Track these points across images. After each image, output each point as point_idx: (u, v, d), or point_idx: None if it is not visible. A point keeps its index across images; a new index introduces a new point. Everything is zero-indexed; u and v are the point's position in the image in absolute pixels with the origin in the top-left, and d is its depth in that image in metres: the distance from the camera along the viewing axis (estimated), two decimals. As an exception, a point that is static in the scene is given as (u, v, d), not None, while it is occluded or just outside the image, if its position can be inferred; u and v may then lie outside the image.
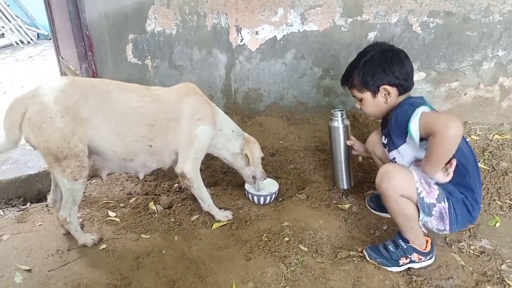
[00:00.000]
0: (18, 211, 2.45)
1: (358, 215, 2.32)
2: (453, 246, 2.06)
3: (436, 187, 1.80)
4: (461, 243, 2.07)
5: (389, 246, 1.93)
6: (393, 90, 1.89)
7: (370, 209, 2.35)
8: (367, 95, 1.96)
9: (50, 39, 6.01)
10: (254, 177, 2.47)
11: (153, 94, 2.08)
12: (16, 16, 7.80)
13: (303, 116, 3.37)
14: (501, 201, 2.36)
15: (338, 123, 2.27)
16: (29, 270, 1.90)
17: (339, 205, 2.39)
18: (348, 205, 2.38)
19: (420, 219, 1.81)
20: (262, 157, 2.48)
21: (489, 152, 2.79)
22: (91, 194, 2.60)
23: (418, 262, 1.90)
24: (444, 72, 3.11)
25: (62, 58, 3.42)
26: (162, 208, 2.44)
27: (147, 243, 2.12)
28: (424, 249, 1.89)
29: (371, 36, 3.06)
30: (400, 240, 1.91)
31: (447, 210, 1.79)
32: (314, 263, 1.96)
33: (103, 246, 2.08)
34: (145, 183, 2.73)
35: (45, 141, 1.78)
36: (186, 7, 2.88)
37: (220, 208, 2.37)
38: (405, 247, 1.89)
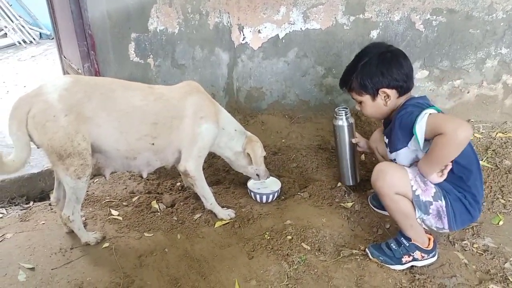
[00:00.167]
0: (21, 210, 2.46)
1: (361, 213, 2.31)
2: (456, 244, 2.06)
3: (432, 185, 1.79)
4: (464, 241, 2.07)
5: (392, 244, 1.92)
6: (392, 93, 1.88)
7: (373, 207, 2.35)
8: (366, 98, 1.95)
9: (53, 38, 6.02)
10: (257, 175, 2.48)
11: (156, 93, 2.09)
12: (19, 16, 7.82)
13: (305, 115, 3.37)
14: (504, 199, 2.35)
15: (343, 121, 2.27)
16: (32, 269, 1.91)
17: (342, 204, 2.39)
18: (351, 204, 2.38)
19: (417, 216, 1.81)
20: (264, 156, 2.48)
21: (492, 150, 2.78)
22: (94, 193, 2.60)
23: (421, 260, 1.90)
24: (447, 70, 3.10)
25: (65, 57, 3.42)
26: (165, 207, 2.44)
27: (150, 242, 2.12)
28: (427, 247, 1.89)
29: (374, 34, 3.05)
30: (402, 238, 1.90)
31: (444, 208, 1.79)
32: (317, 261, 1.96)
33: (106, 244, 2.09)
34: (147, 181, 2.73)
35: (49, 139, 1.78)
36: (188, 6, 2.88)
37: (222, 207, 2.38)
38: (407, 245, 1.88)
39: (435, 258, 1.93)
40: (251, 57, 3.26)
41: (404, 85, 1.87)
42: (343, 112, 2.26)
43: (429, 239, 1.91)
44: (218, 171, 2.88)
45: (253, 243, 2.09)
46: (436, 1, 2.91)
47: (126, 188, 2.67)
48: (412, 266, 1.92)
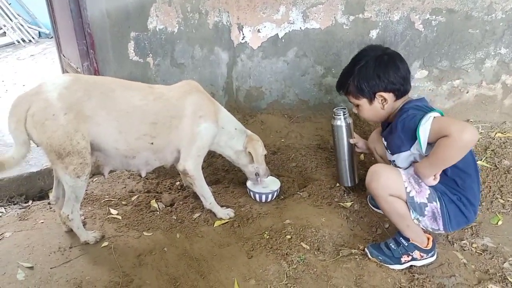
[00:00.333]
0: (20, 209, 2.46)
1: (360, 213, 2.32)
2: (455, 244, 2.06)
3: (426, 187, 1.80)
4: (463, 241, 2.07)
5: (391, 244, 1.93)
6: (389, 96, 1.88)
7: (372, 207, 2.35)
8: (363, 101, 1.95)
9: (52, 37, 6.02)
10: (257, 174, 2.48)
11: (155, 92, 2.08)
12: (18, 15, 7.80)
13: (304, 114, 3.37)
14: (503, 199, 2.35)
15: (341, 121, 2.27)
16: (31, 268, 1.90)
17: (341, 203, 2.39)
18: (350, 203, 2.38)
19: (412, 217, 1.82)
20: (265, 155, 2.48)
21: (491, 150, 2.78)
22: (93, 192, 2.60)
23: (420, 260, 1.90)
24: (447, 70, 3.11)
25: (64, 56, 3.42)
26: (164, 206, 2.44)
27: (149, 241, 2.12)
28: (426, 247, 1.89)
29: (373, 34, 3.05)
30: (401, 238, 1.91)
31: (439, 210, 1.79)
32: (316, 261, 1.96)
33: (105, 243, 2.08)
34: (147, 181, 2.73)
35: (48, 138, 1.78)
36: (188, 5, 2.87)
37: (222, 206, 2.38)
38: (406, 244, 1.89)
39: (434, 257, 1.94)
40: (251, 56, 3.26)
41: (401, 88, 1.87)
42: (341, 112, 2.26)
43: (428, 239, 1.91)
44: (217, 170, 2.88)
45: (252, 242, 2.10)
46: (436, 1, 2.91)
47: (125, 187, 2.67)
48: (411, 265, 1.92)
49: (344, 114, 2.26)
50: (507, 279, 1.82)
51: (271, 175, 2.61)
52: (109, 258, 1.99)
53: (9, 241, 2.09)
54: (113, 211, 2.37)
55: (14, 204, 2.55)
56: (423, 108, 1.79)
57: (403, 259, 1.90)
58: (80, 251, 2.03)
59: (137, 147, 2.03)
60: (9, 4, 7.80)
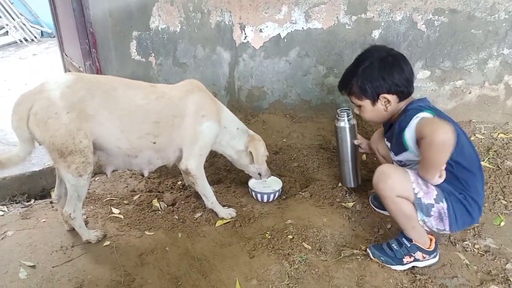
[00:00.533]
0: (22, 208, 2.46)
1: (362, 213, 2.31)
2: (457, 245, 2.05)
3: (433, 187, 1.79)
4: (466, 242, 2.06)
5: (393, 245, 1.92)
6: (393, 98, 1.87)
7: (374, 207, 2.35)
8: (366, 102, 1.94)
9: (54, 36, 6.03)
10: (259, 174, 2.48)
11: (158, 91, 2.09)
12: (20, 14, 7.81)
13: (306, 114, 3.37)
14: (505, 200, 2.34)
15: (345, 123, 2.26)
16: (33, 266, 1.90)
17: (343, 203, 2.39)
18: (352, 204, 2.38)
19: (418, 219, 1.81)
20: (266, 155, 2.48)
21: (494, 151, 2.78)
22: (95, 191, 2.60)
23: (422, 261, 1.90)
24: (449, 70, 3.10)
25: (66, 55, 3.42)
26: (166, 205, 2.44)
27: (150, 240, 2.12)
28: (428, 248, 1.88)
29: (376, 34, 3.05)
30: (403, 239, 1.90)
31: (446, 210, 1.78)
32: (318, 261, 1.95)
33: (107, 242, 2.08)
34: (148, 180, 2.73)
35: (51, 136, 1.78)
36: (190, 4, 2.87)
37: (223, 206, 2.38)
38: (408, 245, 1.88)
39: (437, 258, 1.93)
40: (253, 56, 3.26)
41: (405, 90, 1.86)
42: (345, 113, 2.25)
43: (431, 240, 1.91)
44: (219, 170, 2.88)
45: (254, 242, 2.09)
46: (438, 1, 2.90)
47: (127, 187, 2.67)
48: (413, 266, 1.92)
49: (348, 116, 2.25)
50: (510, 280, 1.81)
51: (272, 175, 2.60)
52: (111, 257, 1.99)
53: (11, 239, 2.10)
54: (115, 210, 2.37)
55: (17, 203, 2.56)
56: (423, 108, 1.78)
57: (405, 260, 1.90)
58: (82, 250, 2.04)
59: (140, 146, 2.04)
60: (12, 3, 7.81)
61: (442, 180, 1.76)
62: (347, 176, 2.39)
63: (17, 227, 2.20)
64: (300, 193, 2.54)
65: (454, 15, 2.93)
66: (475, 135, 3.01)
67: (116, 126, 1.94)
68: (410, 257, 1.89)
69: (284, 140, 3.17)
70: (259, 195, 2.46)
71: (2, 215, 2.36)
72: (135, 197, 2.53)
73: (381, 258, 1.93)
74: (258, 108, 3.43)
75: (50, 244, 2.06)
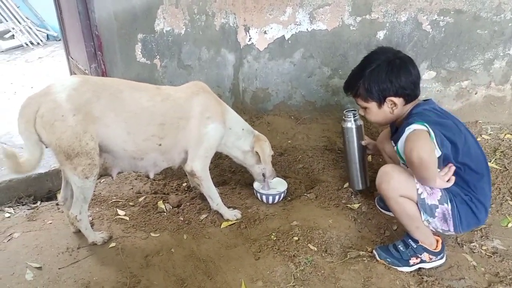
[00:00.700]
0: (29, 210, 2.47)
1: (368, 214, 2.30)
2: (464, 246, 2.04)
3: (438, 188, 1.78)
4: (473, 244, 2.05)
5: (399, 246, 1.91)
6: (399, 101, 1.86)
7: (380, 209, 2.34)
8: (372, 105, 1.92)
9: (60, 40, 6.07)
10: (263, 175, 2.47)
11: (163, 93, 2.09)
12: (26, 18, 7.86)
13: (311, 116, 3.36)
14: (513, 201, 2.32)
15: (351, 123, 2.25)
16: (39, 268, 1.92)
17: (349, 205, 2.38)
18: (358, 205, 2.37)
19: (422, 219, 1.80)
20: (272, 155, 2.48)
21: (501, 151, 2.76)
22: (100, 193, 2.61)
23: (429, 262, 1.89)
24: (455, 71, 3.08)
25: (72, 58, 3.44)
26: (171, 207, 2.45)
27: (156, 242, 2.12)
28: (435, 249, 1.87)
29: (380, 35, 3.04)
30: (410, 240, 1.89)
31: (450, 211, 1.77)
32: (324, 262, 1.95)
33: (113, 244, 2.09)
34: (154, 182, 2.74)
35: (57, 138, 1.79)
36: (195, 7, 2.88)
37: (228, 207, 2.37)
38: (415, 246, 1.87)
39: (443, 260, 1.92)
40: (257, 58, 3.26)
41: (411, 93, 1.85)
42: (352, 114, 2.24)
43: (437, 241, 1.89)
44: (224, 171, 2.88)
45: (259, 243, 2.09)
46: (444, 2, 2.89)
47: (132, 189, 2.68)
48: (420, 268, 1.91)
49: (354, 116, 2.24)
50: (518, 282, 1.80)
51: (278, 177, 2.60)
52: (117, 259, 2.00)
53: (18, 241, 2.11)
54: (121, 212, 2.38)
55: (23, 205, 2.57)
56: (424, 114, 1.78)
57: (411, 261, 1.88)
58: (88, 251, 2.04)
59: (145, 148, 2.04)
60: (18, 7, 7.88)
61: (450, 184, 1.76)
62: (355, 178, 2.37)
63: (23, 229, 2.21)
64: (305, 194, 2.53)
65: (460, 15, 2.91)
66: (481, 136, 2.99)
67: (122, 128, 1.95)
68: (416, 259, 1.88)
69: (289, 141, 3.17)
70: (264, 197, 2.45)
71: (9, 217, 2.38)
72: (141, 199, 2.53)
73: (388, 259, 1.91)
74: (263, 109, 3.43)
75: (56, 246, 2.07)
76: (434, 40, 3.00)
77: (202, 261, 1.99)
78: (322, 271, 1.89)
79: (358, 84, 1.91)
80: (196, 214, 2.37)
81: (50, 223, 2.28)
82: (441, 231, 1.85)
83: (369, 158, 2.85)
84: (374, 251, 1.99)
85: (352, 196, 2.45)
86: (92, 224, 2.21)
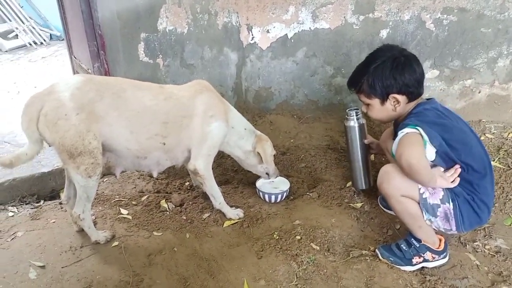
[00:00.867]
0: (32, 209, 2.48)
1: (371, 214, 2.30)
2: (467, 245, 2.03)
3: (440, 188, 1.78)
4: (476, 243, 2.04)
5: (402, 245, 1.91)
6: (402, 98, 1.86)
7: (383, 208, 2.33)
8: (375, 101, 1.92)
9: (63, 40, 6.08)
10: (267, 174, 2.47)
11: (166, 92, 2.09)
12: (30, 18, 7.90)
13: (314, 115, 3.35)
14: (517, 201, 2.31)
15: (354, 122, 2.24)
16: (43, 267, 1.92)
17: (351, 204, 2.37)
18: (360, 204, 2.36)
19: (425, 219, 1.80)
20: (274, 155, 2.48)
21: (504, 150, 2.74)
22: (103, 192, 2.62)
23: (432, 261, 1.88)
24: (458, 69, 3.07)
25: (75, 57, 3.45)
26: (174, 206, 2.45)
27: (159, 241, 2.13)
28: (438, 248, 1.87)
29: (384, 34, 3.03)
30: (412, 239, 1.89)
31: (452, 211, 1.77)
32: (326, 261, 1.95)
33: (116, 243, 2.10)
34: (156, 181, 2.74)
35: (60, 137, 1.80)
36: (197, 6, 2.88)
37: (231, 206, 2.38)
38: (417, 245, 1.87)
39: (446, 259, 1.91)
40: (260, 57, 3.26)
41: (414, 91, 1.85)
42: (354, 112, 2.24)
43: (440, 240, 1.89)
44: (227, 170, 2.88)
45: (262, 242, 2.09)
46: (447, 0, 2.87)
47: (135, 188, 2.68)
48: (423, 267, 1.90)
49: (357, 115, 2.24)
50: (522, 281, 1.79)
51: (280, 176, 2.60)
52: (120, 258, 2.00)
53: (21, 240, 2.12)
54: (124, 211, 2.39)
55: (26, 204, 2.58)
56: (425, 113, 1.79)
57: (414, 261, 1.88)
58: (91, 250, 2.05)
59: (149, 147, 2.04)
60: (21, 7, 7.91)
61: (455, 184, 1.76)
62: (358, 178, 2.36)
63: (26, 228, 2.22)
64: (308, 193, 2.53)
65: (463, 13, 2.90)
66: (485, 135, 2.98)
67: (125, 127, 1.95)
68: (419, 258, 1.87)
69: (292, 140, 3.16)
70: (266, 196, 2.45)
71: (12, 216, 2.39)
72: (143, 198, 2.54)
73: (390, 258, 1.91)
74: (265, 109, 3.43)
75: (59, 245, 2.07)
76: (437, 39, 2.99)
77: (204, 260, 2.00)
78: (325, 270, 1.89)
79: (362, 80, 1.91)
80: (198, 213, 2.37)
81: (53, 222, 2.28)
82: (443, 230, 1.85)
83: (372, 157, 2.84)
84: (376, 250, 1.98)
85: (355, 195, 2.45)
86: (95, 223, 2.22)
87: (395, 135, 2.00)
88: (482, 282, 1.82)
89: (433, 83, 3.13)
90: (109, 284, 1.84)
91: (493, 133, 3.00)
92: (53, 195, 2.72)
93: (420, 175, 1.68)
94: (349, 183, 2.54)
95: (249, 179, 2.71)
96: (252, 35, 3.17)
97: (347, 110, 2.27)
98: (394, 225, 2.20)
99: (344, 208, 2.35)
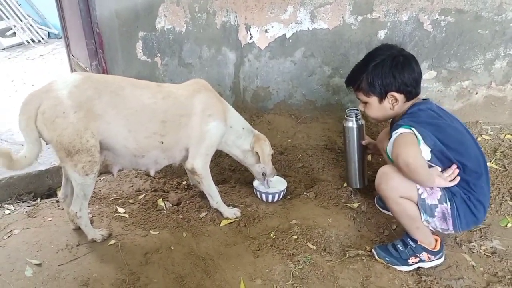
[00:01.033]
0: (29, 207, 2.48)
1: (367, 214, 2.30)
2: (463, 246, 2.04)
3: (438, 188, 1.79)
4: (472, 243, 2.05)
5: (398, 245, 1.91)
6: (400, 97, 1.87)
7: (380, 208, 2.34)
8: (373, 99, 1.93)
9: (61, 38, 6.07)
10: (264, 174, 2.48)
11: (164, 91, 2.10)
12: (28, 15, 7.87)
13: (312, 115, 3.36)
14: (512, 202, 2.32)
15: (353, 123, 2.25)
16: (39, 265, 1.92)
17: (348, 204, 2.38)
18: (357, 204, 2.37)
19: (422, 219, 1.81)
20: (272, 154, 2.48)
21: (501, 152, 2.76)
22: (100, 191, 2.61)
23: (427, 262, 1.89)
24: (455, 71, 3.08)
25: (73, 55, 3.44)
26: (171, 205, 2.45)
27: (155, 239, 2.13)
28: (434, 248, 1.87)
29: (381, 35, 3.04)
30: (409, 239, 1.89)
31: (449, 210, 1.78)
32: (323, 261, 1.95)
33: (112, 241, 2.10)
34: (154, 180, 2.74)
35: (58, 135, 1.80)
36: (196, 5, 2.88)
37: (228, 206, 2.38)
38: (414, 246, 1.87)
39: (442, 259, 1.92)
40: (258, 56, 3.26)
41: (412, 91, 1.87)
42: (353, 113, 2.25)
43: (436, 241, 1.90)
44: (224, 170, 2.88)
45: (258, 242, 2.09)
46: (445, 1, 2.88)
47: (132, 186, 2.68)
48: (419, 267, 1.91)
49: (356, 116, 2.25)
50: (517, 282, 1.80)
51: (277, 175, 2.60)
52: (116, 256, 2.00)
53: (18, 238, 2.11)
54: (120, 210, 2.39)
55: (23, 202, 2.58)
56: (419, 114, 1.81)
57: (410, 261, 1.89)
58: (87, 248, 2.05)
59: (147, 146, 2.04)
60: (19, 5, 7.88)
61: (454, 183, 1.77)
62: (354, 177, 2.38)
63: (23, 226, 2.21)
64: (305, 193, 2.54)
65: (461, 15, 2.91)
66: (481, 136, 2.99)
67: (123, 126, 1.95)
68: (415, 258, 1.88)
69: (289, 140, 3.17)
70: (263, 195, 2.46)
71: (9, 214, 2.39)
72: (140, 197, 2.54)
73: (386, 258, 1.92)
74: (263, 108, 3.43)
75: (56, 243, 2.07)
76: (435, 40, 3.00)
77: (201, 259, 2.00)
78: (321, 270, 1.89)
79: (361, 78, 1.92)
80: (195, 212, 2.38)
81: (50, 220, 2.28)
82: (440, 230, 1.86)
83: (369, 157, 2.85)
84: (373, 250, 1.99)
85: (352, 195, 2.45)
86: (91, 222, 2.21)
87: (391, 135, 2.02)
88: (478, 282, 1.83)
89: (431, 84, 3.14)
90: (105, 282, 1.84)
91: (490, 134, 3.01)
92: (50, 193, 2.71)
93: (418, 174, 1.69)
94: (346, 183, 2.54)
95: (246, 179, 2.71)
96: (251, 34, 3.18)
97: (346, 111, 2.28)
98: (391, 226, 2.21)
99: (341, 208, 2.36)
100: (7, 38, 7.37)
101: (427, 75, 3.11)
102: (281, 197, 2.49)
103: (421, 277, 1.85)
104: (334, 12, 3.03)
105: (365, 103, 1.98)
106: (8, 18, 7.62)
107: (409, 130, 1.69)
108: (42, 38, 7.71)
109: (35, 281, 1.82)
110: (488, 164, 2.52)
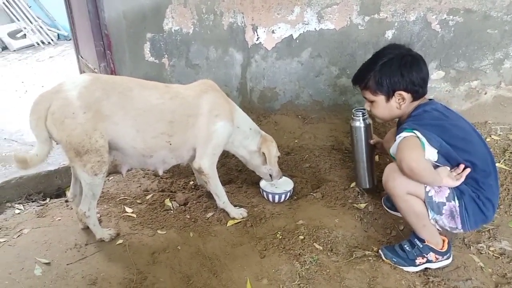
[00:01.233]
0: (38, 206, 2.51)
1: (374, 214, 2.29)
2: (471, 247, 2.02)
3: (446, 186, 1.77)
4: (480, 244, 2.03)
5: (405, 246, 1.90)
6: (408, 96, 1.87)
7: (387, 208, 2.33)
8: (380, 98, 1.93)
9: (70, 39, 6.13)
10: (270, 175, 2.48)
11: (172, 91, 2.11)
12: (37, 17, 7.97)
13: (319, 115, 3.36)
14: (522, 203, 2.30)
15: (360, 122, 2.25)
16: (48, 263, 1.94)
17: (355, 205, 2.37)
18: (364, 205, 2.36)
19: (430, 217, 1.80)
20: (278, 156, 2.48)
21: (510, 152, 2.72)
22: (108, 191, 2.64)
23: (435, 262, 1.88)
24: (464, 71, 3.06)
25: (82, 57, 3.48)
26: (178, 205, 2.46)
27: (163, 239, 2.14)
28: (441, 249, 1.86)
29: (389, 35, 3.02)
30: (416, 240, 1.88)
31: (457, 208, 1.77)
32: (329, 261, 1.95)
33: (120, 241, 2.11)
34: (161, 180, 2.76)
35: (67, 136, 1.82)
36: (203, 6, 2.90)
37: (235, 206, 2.39)
38: (421, 246, 1.86)
39: (450, 260, 1.91)
40: (265, 57, 3.26)
41: (420, 90, 1.87)
42: (361, 113, 2.24)
43: (444, 241, 1.88)
44: (231, 170, 2.89)
45: (265, 242, 2.10)
46: (453, 1, 2.86)
47: (140, 186, 2.70)
48: (426, 268, 1.90)
49: (363, 115, 2.24)
50: (526, 283, 1.78)
51: (284, 176, 2.60)
52: (124, 256, 2.02)
53: (27, 237, 2.14)
54: (128, 210, 2.40)
55: (32, 202, 2.61)
56: (423, 116, 1.81)
57: (417, 261, 1.88)
58: (95, 248, 2.07)
59: (155, 146, 2.06)
60: (29, 7, 7.98)
61: (459, 182, 1.76)
62: (362, 177, 2.37)
63: (32, 225, 2.24)
64: (311, 193, 2.53)
65: (470, 14, 2.89)
66: (491, 136, 2.96)
67: (132, 126, 1.97)
68: (422, 258, 1.87)
69: (296, 141, 3.17)
70: (270, 196, 2.46)
71: (19, 214, 2.42)
72: (148, 197, 2.55)
73: (393, 259, 1.91)
74: (270, 109, 3.44)
75: (64, 242, 2.09)
76: (443, 40, 2.98)
77: (208, 258, 2.01)
78: (328, 270, 1.89)
79: (369, 76, 1.92)
80: (202, 212, 2.39)
81: (59, 219, 2.31)
82: (448, 229, 1.84)
83: (376, 158, 2.84)
84: (380, 250, 1.98)
85: (359, 196, 2.44)
86: (100, 221, 2.23)
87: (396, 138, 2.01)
88: (486, 284, 1.81)
89: (439, 84, 3.12)
90: (113, 281, 1.85)
91: (499, 134, 2.98)
92: (59, 193, 2.74)
93: (422, 177, 1.70)
94: (353, 184, 2.54)
95: (253, 179, 2.72)
96: (257, 35, 3.18)
97: (353, 110, 2.27)
98: (398, 226, 2.19)
99: (347, 208, 2.35)
100: (17, 40, 7.47)
101: (435, 75, 3.09)
102: (287, 197, 2.49)
103: (429, 278, 1.84)
104: (341, 12, 3.03)
105: (372, 102, 1.97)
106: (19, 20, 7.73)
107: (412, 133, 1.70)
108: (52, 40, 7.80)
109: (44, 280, 1.85)
110: (497, 164, 2.50)
